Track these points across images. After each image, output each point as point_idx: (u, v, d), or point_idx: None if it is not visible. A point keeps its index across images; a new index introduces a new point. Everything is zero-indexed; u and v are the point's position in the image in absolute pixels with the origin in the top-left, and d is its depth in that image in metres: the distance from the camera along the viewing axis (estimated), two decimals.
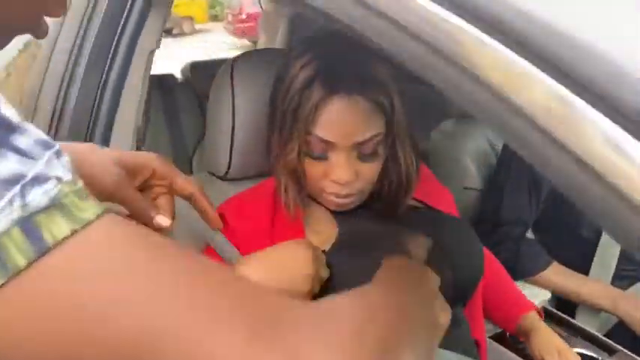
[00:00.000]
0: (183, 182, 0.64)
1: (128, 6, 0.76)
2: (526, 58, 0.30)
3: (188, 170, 1.83)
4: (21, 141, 0.29)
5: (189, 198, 0.65)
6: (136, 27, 0.77)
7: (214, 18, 14.35)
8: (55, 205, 0.29)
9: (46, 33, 0.45)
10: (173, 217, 0.64)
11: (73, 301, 0.28)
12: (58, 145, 0.31)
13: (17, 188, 0.28)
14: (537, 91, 0.29)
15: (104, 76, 0.75)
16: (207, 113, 1.02)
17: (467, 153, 1.47)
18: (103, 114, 0.75)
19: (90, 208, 0.30)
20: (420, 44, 0.36)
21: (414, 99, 0.86)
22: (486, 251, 1.01)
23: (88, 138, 0.74)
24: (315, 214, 0.88)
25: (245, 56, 1.00)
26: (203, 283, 0.31)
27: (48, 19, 0.46)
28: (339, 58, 0.78)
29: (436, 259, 0.86)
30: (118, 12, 0.76)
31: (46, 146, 0.30)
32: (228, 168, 0.99)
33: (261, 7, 2.64)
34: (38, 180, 0.29)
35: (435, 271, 0.85)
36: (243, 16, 10.67)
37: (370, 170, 0.82)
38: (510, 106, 0.30)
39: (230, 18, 11.32)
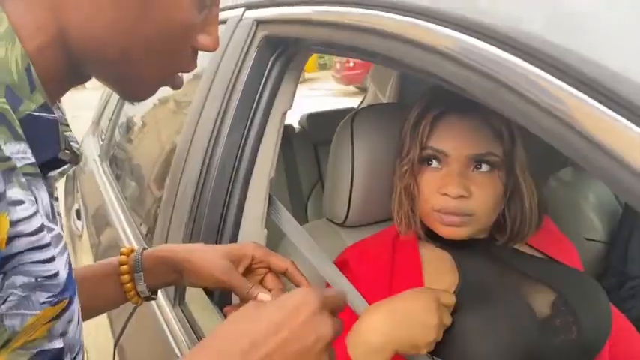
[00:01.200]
0: (277, 261, 0.74)
1: (266, 72, 0.86)
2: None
3: (303, 215, 1.93)
4: None
5: (284, 273, 0.74)
6: (272, 91, 0.86)
7: (323, 67, 14.95)
8: None
9: (181, 85, 0.55)
10: (283, 289, 0.73)
11: None
12: None
13: None
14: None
15: (245, 134, 0.85)
16: (328, 163, 1.10)
17: (588, 202, 1.42)
18: (243, 167, 0.84)
19: None
20: (522, 100, 0.38)
21: (529, 143, 0.88)
22: (613, 308, 0.96)
23: (230, 187, 0.84)
24: (434, 260, 0.90)
25: (365, 110, 1.07)
26: None
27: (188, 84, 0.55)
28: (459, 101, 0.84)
29: (560, 314, 0.84)
30: (257, 78, 0.86)
31: None
32: (347, 216, 1.05)
33: None
34: None
35: (559, 327, 0.83)
36: (351, 64, 11.03)
37: (484, 191, 0.83)
38: (620, 163, 0.32)
39: (338, 66, 11.73)
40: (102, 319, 1.21)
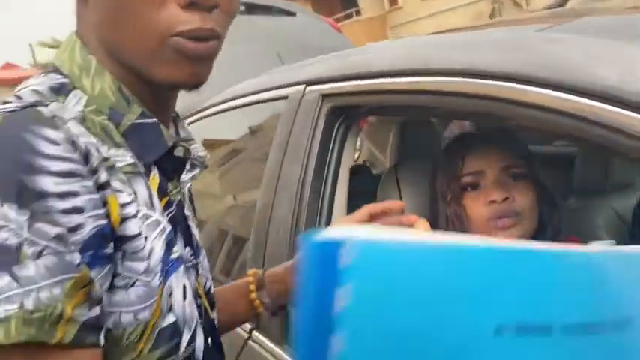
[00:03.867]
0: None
1: (333, 136, 1.03)
2: None
3: None
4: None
5: None
6: (339, 151, 1.03)
7: None
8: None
9: (198, 51, 0.53)
10: None
11: None
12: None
13: None
14: None
15: (323, 187, 1.01)
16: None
17: (598, 227, 1.58)
18: (324, 214, 1.00)
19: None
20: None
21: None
22: None
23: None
24: None
25: (405, 160, 1.24)
26: None
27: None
28: (476, 137, 1.07)
29: None
30: (327, 142, 1.03)
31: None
32: None
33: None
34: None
35: None
36: None
37: (523, 195, 1.00)
38: None
39: None
40: None
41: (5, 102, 0.52)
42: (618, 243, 1.51)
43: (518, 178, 1.01)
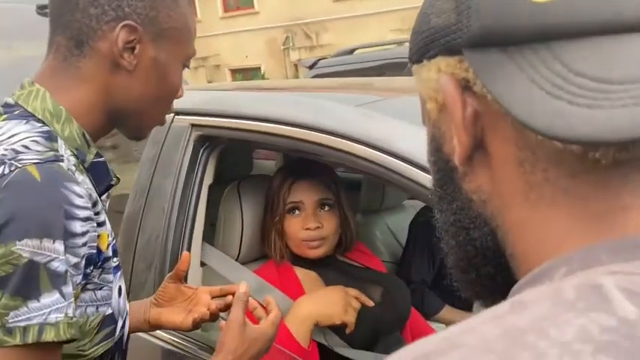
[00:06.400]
0: None
1: (198, 160, 1.27)
2: None
3: None
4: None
5: None
6: (202, 173, 1.28)
7: None
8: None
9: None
10: None
11: None
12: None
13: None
14: None
15: (188, 202, 1.24)
16: (220, 218, 1.50)
17: (376, 238, 2.08)
18: (188, 225, 1.23)
19: None
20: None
21: None
22: None
23: (182, 238, 1.21)
24: (308, 279, 1.39)
25: (247, 179, 1.53)
26: None
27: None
28: (301, 167, 1.38)
29: (386, 299, 1.41)
30: (193, 165, 1.27)
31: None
32: (239, 254, 1.46)
33: None
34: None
35: (386, 306, 1.39)
36: None
37: (330, 222, 1.35)
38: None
39: None
40: None
41: (13, 149, 0.65)
42: (389, 249, 2.06)
43: (327, 208, 1.37)
